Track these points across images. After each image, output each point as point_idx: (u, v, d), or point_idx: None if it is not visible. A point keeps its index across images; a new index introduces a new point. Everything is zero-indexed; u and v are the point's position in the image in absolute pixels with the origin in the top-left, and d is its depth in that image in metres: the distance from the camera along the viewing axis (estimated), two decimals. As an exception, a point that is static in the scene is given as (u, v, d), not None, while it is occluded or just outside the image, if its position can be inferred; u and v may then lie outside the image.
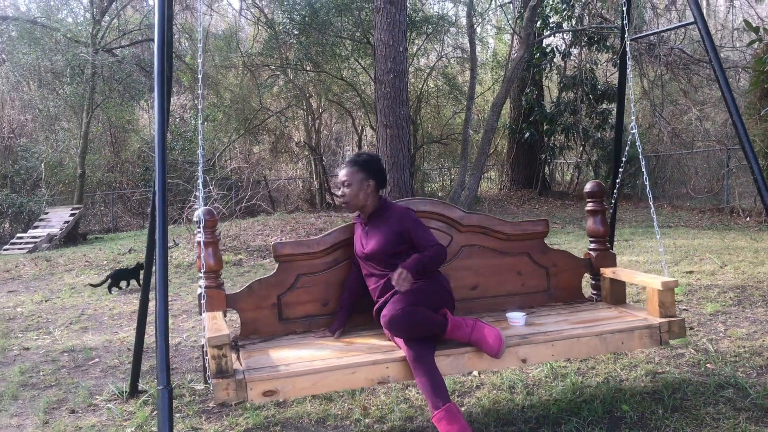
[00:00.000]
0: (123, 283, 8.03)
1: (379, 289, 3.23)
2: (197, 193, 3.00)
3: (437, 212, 3.63)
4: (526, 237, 3.76)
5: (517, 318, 3.34)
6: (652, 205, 3.80)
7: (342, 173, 3.28)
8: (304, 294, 3.43)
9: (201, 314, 3.00)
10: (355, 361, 2.86)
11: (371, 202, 3.30)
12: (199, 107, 3.27)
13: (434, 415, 2.77)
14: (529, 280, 3.78)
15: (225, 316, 3.15)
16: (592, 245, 3.85)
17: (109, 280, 7.94)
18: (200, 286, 3.15)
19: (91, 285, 8.16)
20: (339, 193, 3.29)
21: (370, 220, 3.31)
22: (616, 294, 3.74)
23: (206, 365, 2.71)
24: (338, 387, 2.84)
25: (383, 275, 3.21)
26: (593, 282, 3.90)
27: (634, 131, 3.80)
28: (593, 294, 3.89)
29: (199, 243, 3.11)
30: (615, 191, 4.23)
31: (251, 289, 3.36)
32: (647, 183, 3.78)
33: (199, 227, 3.09)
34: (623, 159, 4.12)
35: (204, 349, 2.73)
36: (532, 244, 3.78)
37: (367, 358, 2.90)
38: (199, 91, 3.24)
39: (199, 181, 3.00)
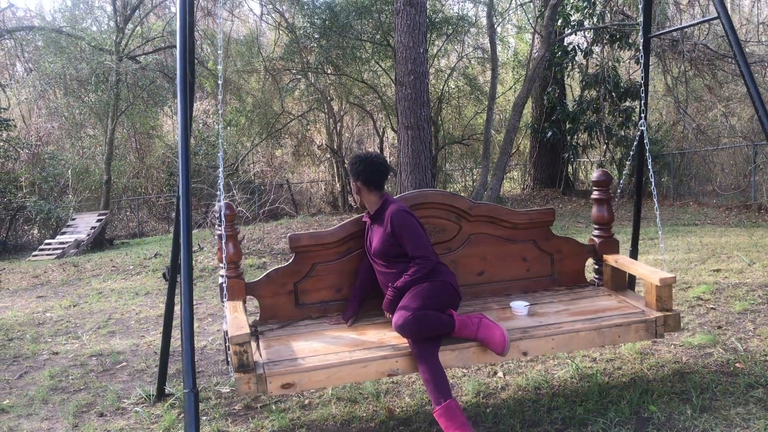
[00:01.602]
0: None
1: (386, 284, 3.37)
2: (218, 193, 3.21)
3: (447, 203, 3.75)
4: (532, 225, 3.90)
5: (520, 308, 3.47)
6: (656, 202, 3.99)
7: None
8: (318, 281, 3.62)
9: (222, 302, 3.24)
10: (366, 356, 3.01)
11: (368, 201, 3.45)
12: (219, 108, 3.34)
13: (436, 410, 2.91)
14: (534, 266, 3.94)
15: (245, 303, 3.38)
16: (597, 232, 4.00)
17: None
18: (221, 276, 3.34)
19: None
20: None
21: (373, 220, 3.45)
22: (616, 280, 3.87)
23: (228, 355, 2.93)
24: (351, 380, 3.00)
25: (389, 272, 3.34)
26: (596, 267, 4.01)
27: (643, 128, 3.90)
28: (595, 278, 4.03)
29: (219, 236, 3.28)
30: (620, 183, 4.20)
31: (269, 277, 3.55)
32: (652, 180, 3.96)
33: (220, 221, 3.25)
34: (632, 155, 4.11)
35: (226, 339, 2.96)
36: (538, 232, 3.93)
37: (378, 353, 3.04)
38: (219, 91, 3.29)
39: (219, 181, 3.14)
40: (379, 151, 20.35)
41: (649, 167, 3.95)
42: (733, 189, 15.38)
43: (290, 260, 3.59)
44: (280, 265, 3.61)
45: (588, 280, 4.03)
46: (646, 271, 3.50)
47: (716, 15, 3.41)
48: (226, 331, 2.97)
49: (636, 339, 3.33)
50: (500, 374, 4.05)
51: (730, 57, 15.08)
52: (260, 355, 3.07)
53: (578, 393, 3.66)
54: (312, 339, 3.26)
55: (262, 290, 3.54)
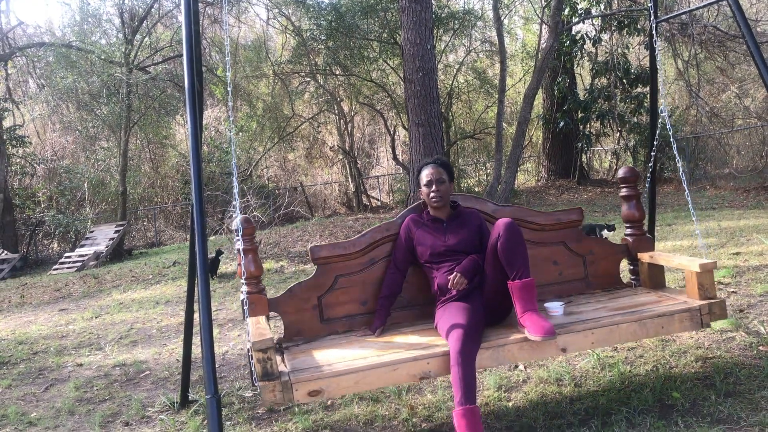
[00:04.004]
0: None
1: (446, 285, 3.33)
2: (234, 203, 3.15)
3: (471, 207, 3.67)
4: (560, 226, 3.78)
5: (555, 308, 3.35)
6: (686, 187, 3.80)
7: (434, 171, 3.42)
8: (343, 294, 3.52)
9: (245, 319, 3.11)
10: (396, 358, 2.91)
11: (448, 201, 3.51)
12: (230, 116, 3.34)
13: (459, 409, 2.78)
14: (567, 269, 3.79)
15: (268, 320, 3.27)
16: (629, 230, 3.85)
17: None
18: (242, 292, 3.24)
19: None
20: (432, 189, 3.40)
21: (450, 218, 3.47)
22: (655, 278, 3.74)
23: (252, 369, 2.82)
24: (380, 384, 2.89)
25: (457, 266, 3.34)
26: (631, 267, 3.89)
27: (663, 114, 3.81)
28: (632, 279, 3.89)
29: (238, 250, 3.21)
30: (648, 175, 4.17)
31: (292, 292, 3.45)
32: (680, 165, 3.91)
33: (237, 235, 3.18)
34: (655, 143, 4.07)
35: (249, 354, 2.85)
36: (567, 233, 3.80)
37: (408, 355, 2.94)
38: (229, 98, 3.30)
39: (235, 190, 3.13)
40: (391, 150, 20.37)
41: (675, 152, 3.83)
42: (750, 171, 15.22)
43: (312, 273, 3.52)
44: (302, 279, 3.56)
45: (625, 282, 3.89)
46: (684, 260, 3.40)
47: (723, -4, 3.38)
48: (249, 348, 2.88)
49: (681, 329, 3.20)
50: (521, 367, 4.05)
51: (740, 37, 14.91)
52: (285, 366, 3.01)
53: (600, 383, 3.64)
54: (338, 348, 3.21)
55: (285, 306, 3.44)
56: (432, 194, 3.41)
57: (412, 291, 3.60)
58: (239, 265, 3.26)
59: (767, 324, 4.31)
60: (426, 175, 3.43)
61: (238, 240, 3.20)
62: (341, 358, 3.03)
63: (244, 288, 3.25)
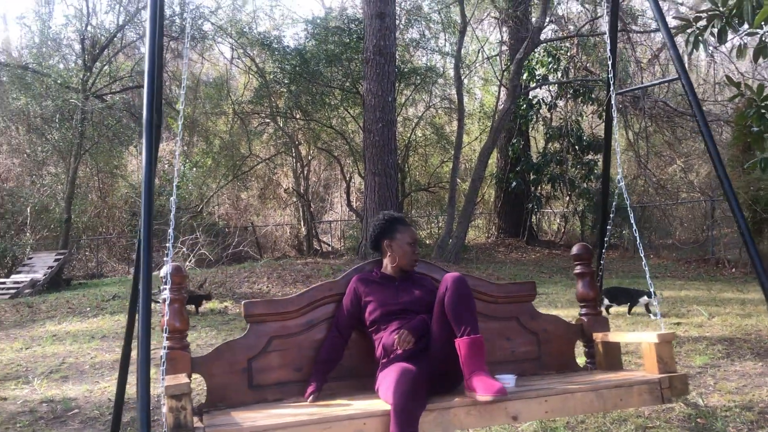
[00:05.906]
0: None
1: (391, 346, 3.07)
2: (168, 245, 2.84)
3: (419, 272, 3.40)
4: (513, 300, 3.53)
5: (507, 380, 3.04)
6: (643, 257, 3.60)
7: (414, 233, 3.33)
8: (276, 358, 3.16)
9: (162, 378, 2.69)
10: (328, 415, 2.60)
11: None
12: (177, 149, 3.27)
13: None
14: (519, 347, 3.48)
15: (189, 379, 2.89)
16: (583, 310, 3.63)
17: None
18: (164, 347, 2.86)
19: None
20: (415, 250, 3.28)
21: (401, 279, 3.26)
22: (610, 358, 3.49)
23: (163, 420, 2.48)
24: None
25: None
26: (586, 350, 3.65)
27: (621, 183, 3.79)
28: (588, 363, 3.63)
29: (164, 300, 2.91)
30: (604, 247, 4.21)
31: (219, 352, 3.10)
32: (637, 235, 3.67)
33: (165, 284, 2.89)
34: (612, 212, 4.13)
35: (163, 409, 2.51)
36: (520, 308, 3.54)
37: (343, 412, 2.65)
38: (179, 132, 3.25)
39: (170, 230, 2.90)
40: (346, 196, 20.41)
41: (632, 222, 3.67)
42: (692, 243, 15.71)
43: (244, 332, 3.18)
44: (232, 338, 3.23)
45: (581, 366, 3.58)
46: (640, 335, 3.23)
47: (677, 75, 3.51)
48: (162, 403, 2.51)
49: (640, 404, 2.95)
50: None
51: (688, 114, 15.57)
52: (201, 423, 2.67)
53: (542, 447, 3.62)
54: (265, 409, 2.87)
55: (210, 367, 3.03)
56: (415, 255, 3.27)
57: (354, 359, 3.24)
58: (163, 316, 2.93)
59: (706, 396, 4.37)
60: (410, 235, 3.26)
61: (165, 289, 2.89)
62: (267, 415, 2.72)
63: (166, 343, 2.88)
